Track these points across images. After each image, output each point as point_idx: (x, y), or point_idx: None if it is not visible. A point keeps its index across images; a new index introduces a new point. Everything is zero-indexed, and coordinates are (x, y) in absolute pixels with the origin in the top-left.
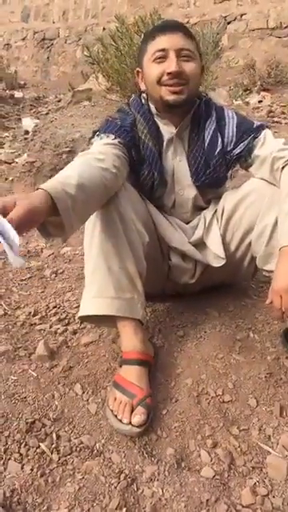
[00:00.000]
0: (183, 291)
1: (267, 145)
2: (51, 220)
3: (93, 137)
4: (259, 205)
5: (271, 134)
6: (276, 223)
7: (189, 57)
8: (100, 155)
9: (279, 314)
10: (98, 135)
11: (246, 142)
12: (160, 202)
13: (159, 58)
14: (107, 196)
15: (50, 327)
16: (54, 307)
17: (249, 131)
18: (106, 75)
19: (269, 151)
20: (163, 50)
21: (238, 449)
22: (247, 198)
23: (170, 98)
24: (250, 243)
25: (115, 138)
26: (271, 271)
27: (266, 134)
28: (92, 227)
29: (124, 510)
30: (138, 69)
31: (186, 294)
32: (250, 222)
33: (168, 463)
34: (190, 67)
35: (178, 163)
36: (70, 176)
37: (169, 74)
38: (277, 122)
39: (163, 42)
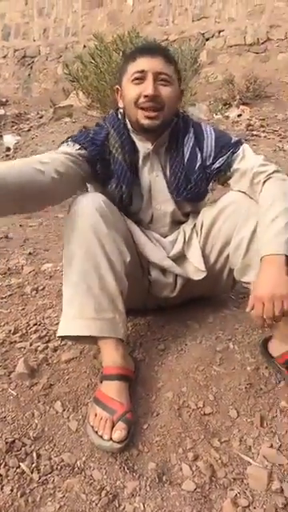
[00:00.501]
0: (164, 305)
1: (247, 159)
2: None
3: (63, 143)
4: (236, 217)
5: (250, 148)
6: (252, 235)
7: (166, 81)
8: (46, 159)
9: (260, 321)
10: (66, 142)
11: (224, 156)
12: (137, 217)
13: (137, 79)
14: (33, 197)
15: (31, 345)
16: (35, 324)
17: (227, 146)
18: (85, 92)
19: (249, 165)
20: (142, 71)
21: (219, 461)
22: (225, 210)
23: (145, 122)
24: (228, 256)
25: (80, 148)
26: (249, 283)
27: (245, 148)
28: (71, 247)
29: None
30: (117, 86)
31: (167, 308)
32: (227, 235)
33: (149, 478)
34: (166, 92)
35: (154, 178)
36: None
37: (145, 96)
38: (256, 135)
39: (143, 63)
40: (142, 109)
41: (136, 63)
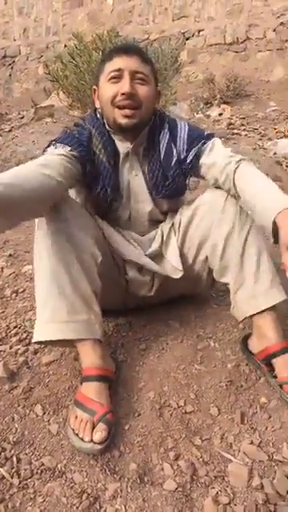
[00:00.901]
0: (144, 304)
1: (215, 151)
2: None
3: (48, 146)
4: (211, 216)
5: (219, 142)
6: (227, 237)
7: (143, 80)
8: (45, 161)
9: None
10: (53, 145)
11: (196, 148)
12: (115, 215)
13: (114, 77)
14: (45, 202)
15: (11, 348)
16: (15, 327)
17: (199, 138)
18: (66, 92)
19: (218, 156)
20: (119, 70)
21: (201, 459)
22: (201, 209)
23: (123, 121)
24: (206, 256)
25: (71, 150)
26: (228, 283)
27: (215, 141)
28: (40, 249)
29: None
30: (94, 86)
31: (148, 307)
32: (203, 234)
33: (131, 479)
34: (143, 90)
35: (133, 178)
36: (2, 177)
37: (122, 94)
38: (237, 133)
39: (119, 62)
40: (119, 107)
41: (112, 62)
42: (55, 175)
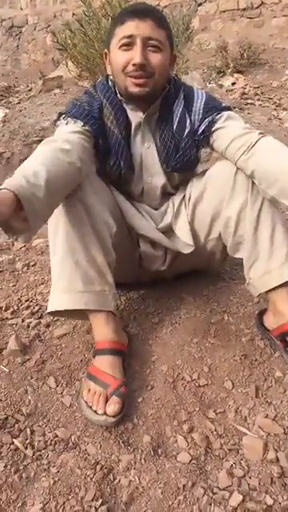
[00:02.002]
0: (157, 278)
1: (232, 120)
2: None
3: (58, 119)
4: (223, 191)
5: (236, 114)
6: (240, 212)
7: (157, 47)
8: (66, 145)
9: None
10: (64, 118)
11: (209, 118)
12: (128, 189)
13: (126, 44)
14: (70, 190)
15: (23, 321)
16: (27, 301)
17: (214, 108)
18: (74, 61)
19: (236, 124)
20: (130, 36)
21: (215, 432)
22: (211, 184)
23: (134, 90)
24: (219, 232)
25: (84, 124)
26: (241, 258)
27: (232, 113)
28: (56, 220)
29: (100, 500)
30: (105, 50)
31: (160, 281)
32: (214, 211)
33: (144, 451)
34: (156, 59)
35: (146, 150)
36: (37, 174)
37: (134, 65)
38: (250, 103)
39: (131, 28)
40: (131, 77)
41: (124, 27)
42: (77, 161)
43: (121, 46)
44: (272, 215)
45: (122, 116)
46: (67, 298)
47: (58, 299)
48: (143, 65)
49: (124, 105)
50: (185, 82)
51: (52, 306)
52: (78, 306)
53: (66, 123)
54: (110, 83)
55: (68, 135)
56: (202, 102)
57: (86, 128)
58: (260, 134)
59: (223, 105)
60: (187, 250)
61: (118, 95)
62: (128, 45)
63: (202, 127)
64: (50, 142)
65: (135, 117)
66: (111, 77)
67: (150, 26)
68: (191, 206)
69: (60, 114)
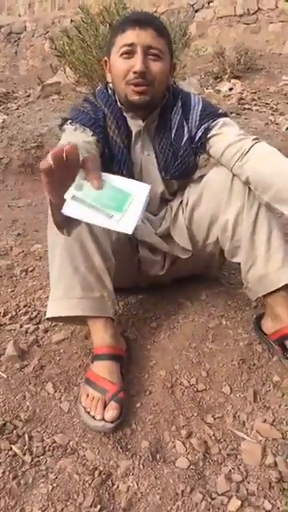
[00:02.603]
0: (155, 283)
1: (228, 127)
2: None
3: (63, 124)
4: (219, 197)
5: (233, 122)
6: (237, 217)
7: (157, 56)
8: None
9: None
10: (71, 123)
11: (205, 124)
12: None
13: (126, 53)
14: None
15: (21, 327)
16: (25, 306)
17: (211, 115)
18: (72, 67)
19: (231, 131)
20: (131, 44)
21: (213, 437)
22: (208, 189)
23: (135, 98)
24: (217, 236)
25: (93, 134)
26: (239, 263)
27: (228, 120)
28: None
29: (99, 507)
30: (105, 58)
31: (159, 286)
32: (211, 216)
33: (143, 456)
34: (156, 67)
35: (145, 158)
36: None
37: (134, 72)
38: (248, 108)
39: (132, 36)
40: (131, 85)
41: (125, 35)
42: None
43: (121, 54)
44: (269, 220)
45: (123, 125)
46: (66, 304)
47: (57, 305)
48: (144, 72)
49: (124, 113)
50: (182, 89)
51: (51, 312)
52: (76, 313)
53: (75, 129)
54: (109, 91)
55: (85, 145)
56: (199, 109)
57: (96, 138)
58: (254, 139)
59: (219, 111)
60: (185, 255)
61: (118, 103)
62: (129, 53)
63: (199, 134)
64: None
65: (135, 125)
66: (110, 85)
67: (151, 35)
68: (188, 211)
69: (65, 119)
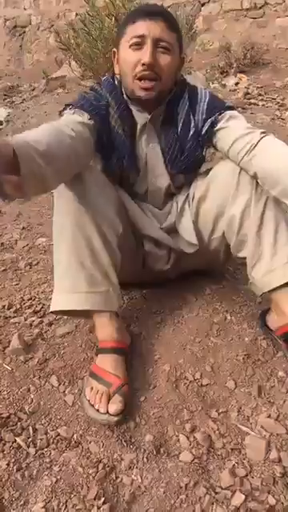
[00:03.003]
0: (160, 278)
1: (235, 120)
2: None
3: (64, 109)
4: (226, 191)
5: (241, 116)
6: (243, 211)
7: (166, 49)
8: (70, 131)
9: None
10: (70, 108)
11: (212, 117)
12: (132, 189)
13: (136, 44)
14: (71, 171)
15: (25, 320)
16: (29, 299)
17: (217, 108)
18: (78, 61)
19: (238, 124)
20: (141, 36)
21: (217, 431)
22: (215, 183)
23: (141, 94)
24: (223, 231)
25: (90, 118)
26: (245, 257)
27: (235, 113)
28: (61, 219)
29: (102, 499)
30: (114, 49)
31: (163, 281)
32: (218, 210)
33: (147, 450)
34: (165, 61)
35: (151, 150)
36: (38, 141)
37: (143, 64)
38: (254, 103)
39: (143, 28)
40: (139, 79)
41: (135, 26)
42: (80, 148)
43: (131, 45)
44: (276, 214)
45: (127, 116)
46: (72, 298)
47: (63, 299)
48: (152, 65)
49: (130, 105)
50: (189, 82)
51: (56, 306)
52: (82, 307)
53: (73, 113)
54: (116, 82)
55: (73, 124)
56: (206, 103)
57: (92, 122)
58: (262, 133)
59: (226, 104)
60: (191, 250)
61: (124, 95)
62: (138, 44)
63: (206, 127)
64: (54, 123)
65: (141, 117)
66: (118, 76)
67: (161, 28)
68: (195, 205)
69: (67, 105)
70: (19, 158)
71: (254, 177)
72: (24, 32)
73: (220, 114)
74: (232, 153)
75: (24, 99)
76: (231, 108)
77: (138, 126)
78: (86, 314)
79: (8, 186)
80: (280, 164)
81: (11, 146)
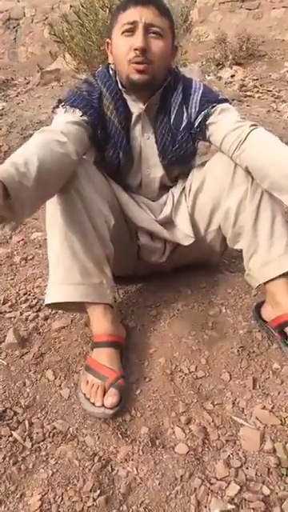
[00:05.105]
0: (155, 271)
1: (226, 113)
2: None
3: (57, 106)
4: (222, 183)
5: (233, 108)
6: (239, 203)
7: (158, 34)
8: (62, 137)
9: None
10: (62, 105)
11: (205, 110)
12: (126, 181)
13: (128, 30)
14: (63, 182)
15: (21, 314)
16: (25, 294)
17: (211, 101)
18: (72, 54)
19: (229, 117)
20: (133, 22)
21: (212, 423)
22: (211, 175)
23: (135, 76)
24: (219, 224)
25: (82, 114)
26: (241, 250)
27: (227, 105)
28: (54, 212)
29: (98, 491)
30: (108, 40)
31: (158, 274)
32: (214, 202)
33: (142, 442)
34: (157, 45)
35: (145, 141)
36: (28, 163)
37: (135, 49)
38: (249, 95)
39: (134, 14)
40: (133, 63)
41: (127, 13)
42: (73, 154)
43: (123, 31)
44: (272, 206)
45: (121, 106)
46: (65, 290)
47: (56, 291)
48: (144, 49)
49: (124, 95)
50: (184, 74)
51: (50, 299)
52: (75, 299)
53: (65, 111)
54: (110, 72)
55: (65, 126)
56: (199, 95)
57: (85, 118)
58: (251, 126)
59: (220, 97)
60: (187, 242)
61: (119, 85)
62: (130, 31)
63: (198, 120)
64: (45, 131)
65: (136, 107)
66: (112, 66)
67: (153, 13)
68: (191, 197)
69: (59, 101)
70: (8, 189)
71: (246, 170)
72: (18, 25)
73: (213, 107)
74: (224, 147)
75: (18, 93)
76: (225, 100)
77: (133, 116)
78: (81, 308)
79: (1, 209)
80: (268, 157)
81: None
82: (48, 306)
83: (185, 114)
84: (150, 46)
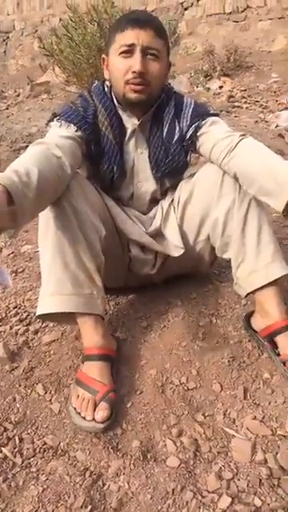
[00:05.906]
0: (145, 282)
1: (216, 125)
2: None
3: (52, 120)
4: (210, 193)
5: (222, 121)
6: (227, 213)
7: (155, 56)
8: (57, 151)
9: None
10: (57, 120)
11: (196, 123)
12: (118, 193)
13: (125, 52)
14: (58, 195)
15: (11, 328)
16: (15, 307)
17: (201, 114)
18: (61, 67)
19: (219, 129)
20: (131, 45)
21: (203, 435)
22: (199, 186)
23: (132, 96)
24: (207, 234)
25: (77, 130)
26: (229, 259)
27: (217, 118)
28: (45, 223)
29: (89, 507)
30: (104, 56)
31: (149, 285)
32: (203, 213)
33: (134, 456)
34: (155, 68)
35: (138, 155)
36: (29, 174)
37: (133, 72)
38: (237, 106)
39: (132, 36)
40: (130, 84)
41: (125, 34)
42: (68, 168)
43: (121, 52)
44: (259, 215)
45: (116, 122)
46: (55, 300)
47: (47, 302)
48: (142, 73)
49: (119, 111)
50: (176, 90)
51: (41, 309)
52: (66, 309)
53: (60, 125)
54: (106, 89)
55: (60, 140)
56: (191, 109)
57: (79, 134)
58: (241, 136)
59: (211, 111)
60: (177, 253)
61: (114, 101)
62: (128, 52)
63: (190, 132)
64: (41, 144)
65: (130, 123)
66: (107, 82)
67: (151, 36)
68: (180, 208)
69: (54, 115)
70: (13, 197)
71: (235, 178)
72: (8, 37)
73: (203, 120)
74: (213, 156)
75: (8, 105)
76: (215, 114)
77: (128, 132)
78: (71, 319)
79: (1, 216)
80: (256, 164)
81: (2, 186)
82: (39, 317)
83: (177, 128)
84: (147, 68)
